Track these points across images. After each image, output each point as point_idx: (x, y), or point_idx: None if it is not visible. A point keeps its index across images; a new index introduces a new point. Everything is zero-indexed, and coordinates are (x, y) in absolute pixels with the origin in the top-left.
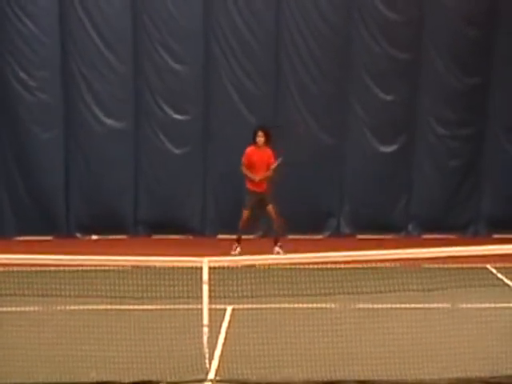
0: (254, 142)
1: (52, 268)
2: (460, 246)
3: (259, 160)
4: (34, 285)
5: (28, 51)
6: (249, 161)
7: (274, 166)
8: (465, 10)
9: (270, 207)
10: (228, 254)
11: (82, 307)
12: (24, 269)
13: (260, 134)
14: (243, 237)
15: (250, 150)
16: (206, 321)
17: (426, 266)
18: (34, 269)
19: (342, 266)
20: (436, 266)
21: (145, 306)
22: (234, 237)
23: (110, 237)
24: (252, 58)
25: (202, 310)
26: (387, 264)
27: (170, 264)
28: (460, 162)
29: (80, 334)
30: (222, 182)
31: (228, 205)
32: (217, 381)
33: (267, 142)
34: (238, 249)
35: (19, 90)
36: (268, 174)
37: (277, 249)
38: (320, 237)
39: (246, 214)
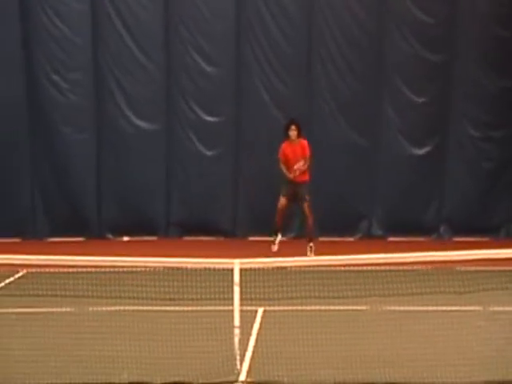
0: (287, 137)
1: (84, 269)
2: (492, 249)
3: (293, 154)
4: (67, 286)
5: (60, 53)
6: (284, 156)
7: (301, 163)
8: (497, 12)
9: (306, 205)
10: (259, 255)
11: (113, 308)
12: (56, 270)
13: (292, 127)
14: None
15: (284, 145)
16: (237, 322)
17: (458, 268)
18: (66, 270)
19: (374, 268)
20: (468, 268)
21: (176, 308)
22: (266, 238)
23: (142, 238)
24: (284, 60)
25: (233, 311)
26: (419, 266)
27: (202, 265)
28: (492, 164)
29: (112, 335)
30: (253, 184)
31: (259, 206)
32: (248, 382)
33: (299, 134)
34: (278, 237)
35: (52, 92)
36: (302, 168)
37: (310, 247)
38: (352, 239)
39: (283, 200)
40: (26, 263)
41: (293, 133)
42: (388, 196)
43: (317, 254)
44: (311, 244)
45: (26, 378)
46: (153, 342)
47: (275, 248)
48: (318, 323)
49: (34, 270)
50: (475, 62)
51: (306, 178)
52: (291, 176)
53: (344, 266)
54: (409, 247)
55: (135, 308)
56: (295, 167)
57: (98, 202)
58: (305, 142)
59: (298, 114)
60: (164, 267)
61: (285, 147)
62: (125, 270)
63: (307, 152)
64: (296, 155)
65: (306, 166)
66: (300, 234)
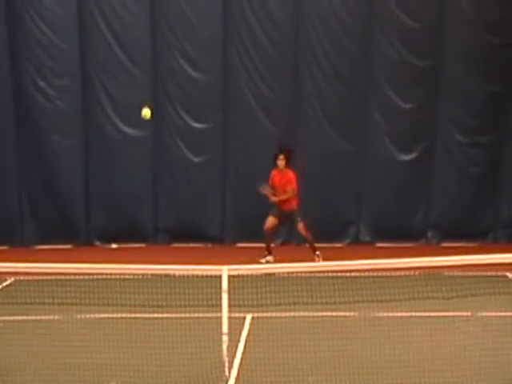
0: (276, 165)
1: (72, 276)
2: (480, 254)
3: (279, 183)
4: (55, 293)
5: (47, 59)
6: (272, 183)
7: (286, 195)
8: (484, 17)
9: (301, 226)
10: (247, 262)
11: (101, 315)
12: (44, 277)
13: (281, 157)
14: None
15: (273, 173)
16: (225, 329)
17: (446, 273)
18: (54, 277)
19: (362, 274)
20: (456, 273)
21: (164, 315)
22: (254, 244)
23: (130, 245)
24: (271, 66)
25: (221, 318)
26: (407, 272)
27: (190, 272)
28: (479, 170)
29: (100, 342)
30: (241, 190)
31: (247, 213)
32: None
33: (288, 164)
34: (269, 257)
35: (38, 98)
36: (284, 197)
37: (316, 258)
38: (340, 245)
39: (271, 220)
40: (14, 271)
41: (280, 162)
42: (376, 202)
43: (305, 260)
44: (317, 252)
45: None
46: (141, 350)
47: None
48: (307, 329)
49: (21, 277)
50: (462, 67)
51: (293, 206)
52: (276, 199)
53: (332, 272)
54: (397, 253)
55: (124, 315)
56: (279, 198)
57: (86, 209)
58: (291, 174)
59: (285, 120)
60: (152, 274)
61: (273, 175)
62: (113, 277)
63: (291, 186)
64: (282, 185)
65: (288, 197)
66: (288, 240)
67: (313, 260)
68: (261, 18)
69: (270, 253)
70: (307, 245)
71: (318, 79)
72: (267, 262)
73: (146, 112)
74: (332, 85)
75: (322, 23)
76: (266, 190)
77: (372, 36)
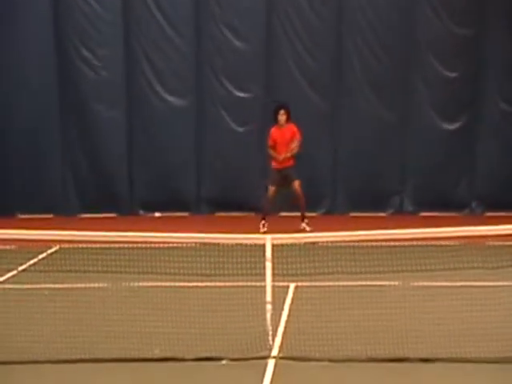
0: (276, 121)
1: (116, 245)
2: None
3: (281, 138)
4: (99, 261)
5: (91, 30)
6: (272, 141)
7: (295, 144)
8: None
9: (296, 183)
10: (291, 231)
11: (145, 284)
12: (89, 246)
13: (281, 112)
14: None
15: (272, 130)
16: (269, 298)
17: (490, 243)
18: (98, 246)
19: (406, 243)
20: (500, 243)
21: (208, 283)
22: (297, 214)
23: (173, 214)
24: (314, 36)
25: (265, 287)
26: (450, 242)
27: (234, 241)
28: None
29: (144, 311)
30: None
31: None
32: (280, 357)
33: (289, 119)
34: (265, 227)
35: (82, 69)
36: (290, 152)
37: (303, 225)
38: (383, 214)
39: (271, 190)
40: (59, 238)
41: (282, 117)
42: (419, 171)
43: (348, 229)
44: (306, 221)
45: (58, 354)
46: (185, 318)
47: (264, 229)
48: (350, 299)
49: (66, 245)
50: (507, 35)
51: (291, 162)
52: (280, 158)
53: (375, 241)
54: (440, 223)
55: (167, 284)
56: (285, 153)
57: (130, 178)
58: (294, 128)
59: (328, 90)
60: (196, 243)
61: (273, 132)
62: (157, 245)
63: (298, 136)
64: (285, 140)
65: (296, 149)
66: (331, 210)
67: (299, 229)
68: None
69: (265, 217)
70: (301, 211)
71: (362, 49)
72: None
73: None
74: (375, 54)
75: None
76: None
77: (415, 4)
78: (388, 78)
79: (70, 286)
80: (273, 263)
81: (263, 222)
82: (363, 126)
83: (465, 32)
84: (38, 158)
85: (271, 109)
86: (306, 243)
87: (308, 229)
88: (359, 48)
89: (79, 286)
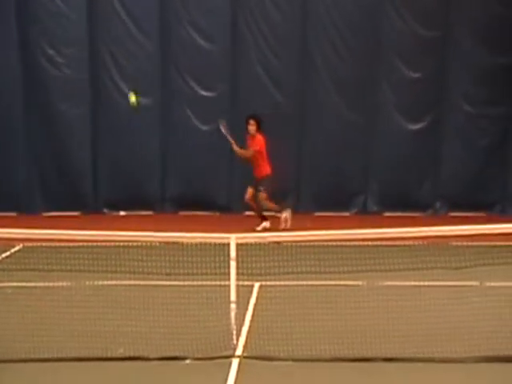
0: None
1: (80, 243)
2: (487, 224)
3: (249, 147)
4: (63, 260)
5: (56, 28)
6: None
7: (250, 150)
8: None
9: (261, 196)
10: (254, 230)
11: (109, 282)
12: (52, 244)
13: (251, 122)
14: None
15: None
16: (233, 297)
17: (454, 243)
18: (62, 244)
19: (369, 243)
20: (463, 243)
21: (172, 282)
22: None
23: (137, 213)
24: (279, 36)
25: (229, 286)
26: (414, 242)
27: (198, 240)
28: (487, 141)
29: (108, 310)
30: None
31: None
32: (244, 357)
33: (258, 129)
34: (264, 223)
35: (47, 67)
36: (244, 154)
37: (264, 224)
38: (347, 214)
39: (248, 191)
40: (23, 237)
41: (250, 127)
42: (383, 171)
43: (312, 228)
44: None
45: (22, 353)
46: (149, 317)
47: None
48: (314, 298)
49: (30, 244)
50: (471, 37)
51: (262, 174)
52: (237, 151)
53: (340, 240)
54: (404, 223)
55: (131, 282)
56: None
57: (94, 177)
58: (259, 137)
59: (293, 90)
60: (160, 242)
61: (248, 139)
62: (121, 244)
63: (254, 147)
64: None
65: (245, 155)
66: (296, 209)
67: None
68: None
69: (265, 219)
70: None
71: (326, 49)
72: (264, 229)
73: (132, 97)
74: (340, 54)
75: None
76: (224, 128)
77: (380, 5)
78: (352, 78)
79: (33, 284)
80: (237, 262)
81: (261, 220)
82: (328, 126)
83: (429, 33)
84: (2, 157)
85: (237, 108)
86: (270, 242)
87: (259, 228)
88: (324, 48)
89: (43, 284)
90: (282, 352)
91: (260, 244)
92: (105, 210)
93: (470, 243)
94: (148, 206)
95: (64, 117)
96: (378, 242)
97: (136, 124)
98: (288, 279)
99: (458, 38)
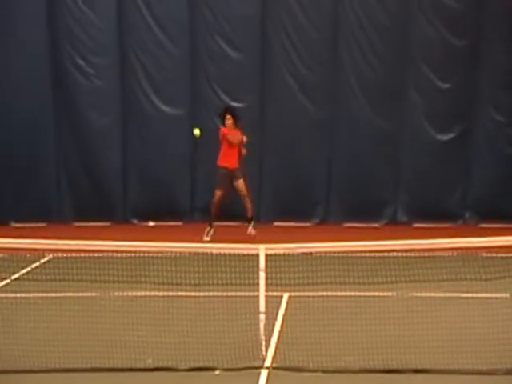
0: (224, 126)
1: (109, 254)
2: None
3: (233, 139)
4: (92, 270)
5: (85, 37)
6: (222, 139)
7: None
8: None
9: (241, 182)
10: (284, 241)
11: (138, 293)
12: (82, 255)
13: (228, 116)
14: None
15: (223, 129)
16: (262, 308)
17: (484, 254)
18: (91, 255)
19: (399, 254)
20: (494, 255)
21: (201, 293)
22: (291, 224)
23: (167, 223)
24: (309, 46)
25: (258, 297)
26: (444, 253)
27: (227, 251)
28: None
29: (137, 320)
30: (279, 170)
31: (285, 192)
32: (273, 368)
33: (236, 123)
34: (211, 232)
35: (77, 77)
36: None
37: (250, 228)
38: (377, 225)
39: (217, 193)
40: (52, 248)
41: (227, 122)
42: (413, 182)
43: (342, 239)
44: (253, 222)
45: (50, 363)
46: (178, 328)
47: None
48: (343, 309)
49: (59, 254)
50: (501, 46)
51: (238, 165)
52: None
53: (369, 251)
54: (434, 233)
55: (160, 294)
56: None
57: (124, 187)
58: (240, 131)
59: (323, 99)
60: (189, 252)
61: (223, 131)
62: (150, 255)
63: (240, 136)
64: (237, 140)
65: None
66: (325, 219)
67: (247, 233)
68: None
69: (211, 227)
70: (245, 209)
71: (358, 59)
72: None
73: (196, 131)
74: (371, 64)
75: (362, 2)
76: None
77: (411, 14)
78: (383, 87)
79: (63, 295)
80: (266, 273)
81: (209, 228)
82: (357, 136)
83: (459, 42)
84: (32, 167)
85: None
86: (299, 253)
87: (254, 232)
88: (354, 57)
89: (72, 294)
90: (311, 363)
91: (289, 255)
92: (134, 221)
93: (500, 254)
94: (177, 217)
95: (93, 126)
96: (408, 253)
97: (165, 134)
98: (317, 290)
99: (488, 47)
